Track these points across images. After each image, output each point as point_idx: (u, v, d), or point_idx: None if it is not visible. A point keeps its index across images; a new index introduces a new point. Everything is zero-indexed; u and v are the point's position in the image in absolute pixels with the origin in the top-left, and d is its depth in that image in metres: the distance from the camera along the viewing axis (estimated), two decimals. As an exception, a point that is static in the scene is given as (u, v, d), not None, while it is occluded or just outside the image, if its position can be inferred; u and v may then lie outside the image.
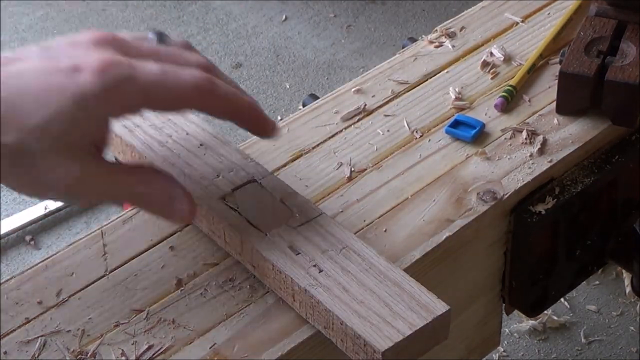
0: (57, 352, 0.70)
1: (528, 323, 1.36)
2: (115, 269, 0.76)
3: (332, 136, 0.87)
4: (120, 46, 0.68)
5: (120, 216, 0.80)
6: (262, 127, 0.74)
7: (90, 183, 0.68)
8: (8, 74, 0.65)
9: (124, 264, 0.76)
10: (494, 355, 1.33)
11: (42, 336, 0.71)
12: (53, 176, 0.66)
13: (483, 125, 0.86)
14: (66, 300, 0.73)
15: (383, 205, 0.80)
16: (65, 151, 0.65)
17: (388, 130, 0.87)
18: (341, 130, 0.87)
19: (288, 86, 1.88)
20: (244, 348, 0.69)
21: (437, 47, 0.96)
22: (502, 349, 1.34)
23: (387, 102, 0.90)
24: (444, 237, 0.77)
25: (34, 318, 0.72)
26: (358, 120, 0.88)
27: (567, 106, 0.87)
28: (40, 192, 0.68)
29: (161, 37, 0.73)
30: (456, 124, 0.86)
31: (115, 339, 0.70)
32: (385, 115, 0.89)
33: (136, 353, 0.69)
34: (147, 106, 0.68)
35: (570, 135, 0.86)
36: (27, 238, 1.56)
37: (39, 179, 0.66)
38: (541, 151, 0.84)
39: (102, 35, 0.68)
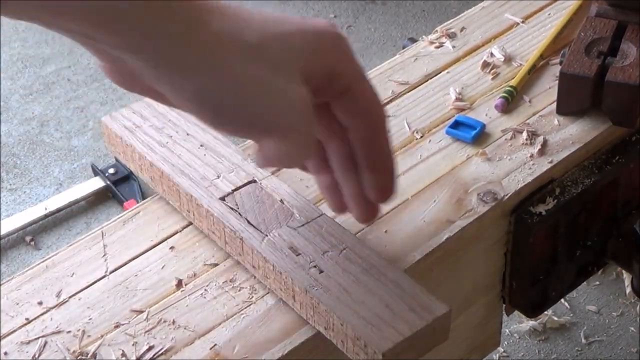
0: (57, 353, 0.69)
1: (528, 323, 1.36)
2: (115, 269, 0.76)
3: (333, 137, 0.87)
4: None
5: (121, 217, 0.80)
6: (386, 183, 0.70)
7: (310, 112, 0.64)
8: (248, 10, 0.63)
9: (124, 264, 0.76)
10: (494, 356, 1.33)
11: (42, 337, 0.71)
12: (288, 94, 0.62)
13: (483, 126, 0.86)
14: (66, 301, 0.73)
15: (383, 206, 0.79)
16: (299, 72, 0.63)
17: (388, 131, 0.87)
18: (341, 131, 0.87)
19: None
20: (244, 349, 0.69)
21: (437, 47, 0.96)
22: (503, 350, 1.34)
23: (387, 103, 0.90)
24: (445, 237, 0.77)
25: (34, 318, 0.72)
26: (358, 121, 0.88)
27: (567, 107, 0.87)
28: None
29: None
30: (456, 124, 0.86)
31: (115, 339, 0.70)
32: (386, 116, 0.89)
33: (136, 354, 0.69)
34: (345, 78, 0.66)
35: (571, 135, 0.86)
36: (27, 238, 1.56)
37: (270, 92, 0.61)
38: (541, 152, 0.84)
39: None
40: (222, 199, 0.76)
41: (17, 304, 0.73)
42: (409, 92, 0.91)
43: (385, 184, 0.70)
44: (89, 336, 0.71)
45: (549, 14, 1.00)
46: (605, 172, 0.86)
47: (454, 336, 0.75)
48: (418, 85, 0.92)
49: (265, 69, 0.60)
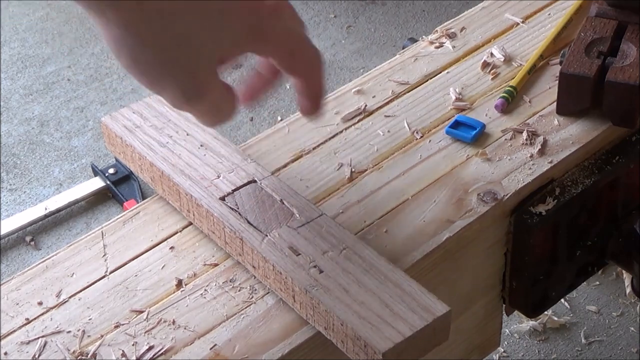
0: (57, 353, 0.70)
1: (528, 323, 1.35)
2: (115, 269, 0.76)
3: (333, 137, 0.87)
4: None
5: (121, 217, 0.80)
6: (314, 94, 0.72)
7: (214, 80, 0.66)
8: None
9: (124, 264, 0.76)
10: (494, 356, 1.33)
11: (42, 337, 0.71)
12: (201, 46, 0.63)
13: (483, 126, 0.86)
14: (66, 301, 0.73)
15: (383, 206, 0.80)
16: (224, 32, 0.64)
17: (388, 131, 0.87)
18: (342, 131, 0.87)
19: (288, 87, 1.88)
20: (244, 349, 0.69)
21: (437, 47, 0.96)
22: (503, 350, 1.34)
23: (387, 103, 0.90)
24: (445, 237, 0.77)
25: (34, 319, 0.72)
26: (358, 121, 0.88)
27: (567, 107, 0.87)
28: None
29: None
30: (456, 124, 0.86)
31: (115, 339, 0.70)
32: (386, 116, 0.89)
33: (136, 354, 0.69)
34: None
35: (571, 136, 0.86)
36: (27, 239, 1.56)
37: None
38: (541, 152, 0.84)
39: None
40: (222, 199, 0.76)
41: (17, 304, 0.73)
42: (409, 92, 0.91)
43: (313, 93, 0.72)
44: (89, 336, 0.71)
45: (549, 14, 1.00)
46: (605, 172, 0.86)
47: (454, 336, 0.75)
48: (418, 85, 0.92)
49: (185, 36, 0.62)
